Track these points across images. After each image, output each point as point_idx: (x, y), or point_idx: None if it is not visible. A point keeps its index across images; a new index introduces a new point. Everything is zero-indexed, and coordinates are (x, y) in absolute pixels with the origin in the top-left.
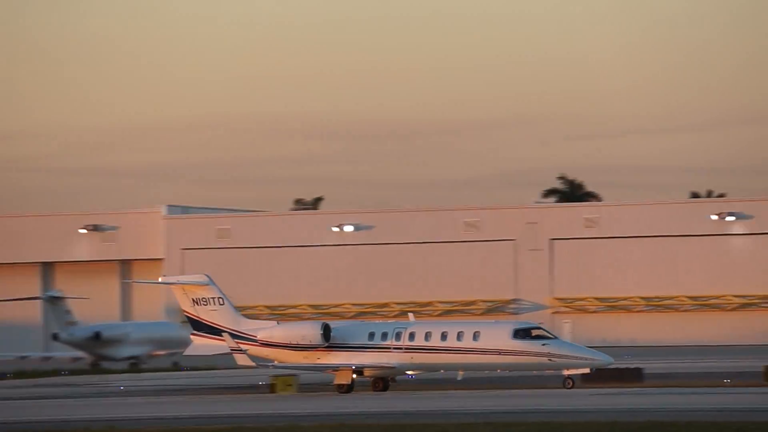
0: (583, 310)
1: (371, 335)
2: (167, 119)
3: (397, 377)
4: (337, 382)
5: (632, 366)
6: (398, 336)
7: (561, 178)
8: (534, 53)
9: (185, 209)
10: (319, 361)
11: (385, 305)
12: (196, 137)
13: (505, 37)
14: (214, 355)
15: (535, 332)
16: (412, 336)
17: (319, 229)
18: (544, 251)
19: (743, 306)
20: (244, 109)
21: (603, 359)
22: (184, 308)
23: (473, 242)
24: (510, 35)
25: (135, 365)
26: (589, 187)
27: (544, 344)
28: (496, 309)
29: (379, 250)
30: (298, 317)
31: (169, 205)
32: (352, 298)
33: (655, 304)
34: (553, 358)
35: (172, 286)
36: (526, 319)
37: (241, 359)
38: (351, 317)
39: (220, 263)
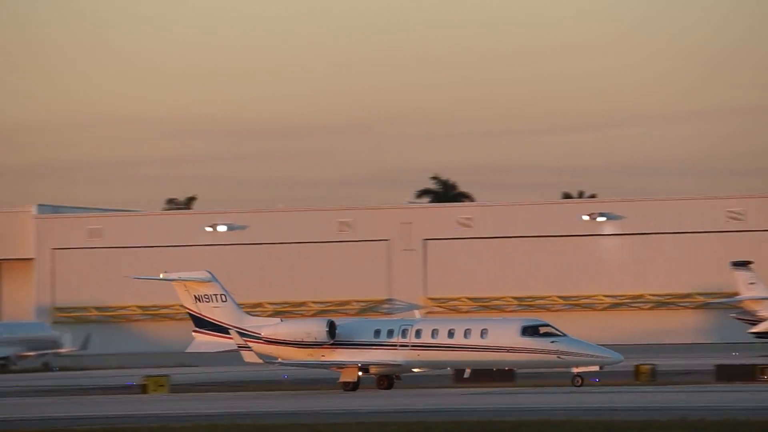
0: (456, 310)
1: (377, 332)
2: (38, 118)
3: (402, 374)
4: (342, 379)
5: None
6: (404, 333)
7: (434, 178)
8: (407, 51)
9: (56, 208)
10: (323, 359)
11: (259, 305)
12: (67, 136)
13: (378, 37)
14: (217, 352)
15: (543, 329)
16: (418, 333)
17: (192, 228)
18: (417, 251)
19: (613, 306)
20: (116, 109)
21: (613, 357)
22: (185, 305)
23: (347, 242)
24: (381, 33)
25: (3, 366)
26: (463, 188)
27: (553, 341)
28: (369, 309)
29: (252, 250)
30: (171, 318)
31: (40, 205)
32: None
33: (528, 304)
34: (562, 356)
35: (173, 283)
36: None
37: (248, 356)
38: None
39: (91, 263)
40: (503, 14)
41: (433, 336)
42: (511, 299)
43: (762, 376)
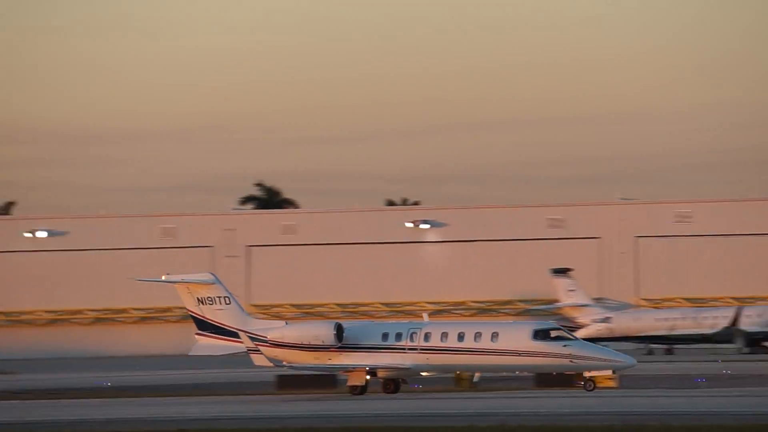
0: (279, 317)
1: (385, 336)
2: None
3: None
4: (350, 383)
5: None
6: (413, 336)
7: (258, 185)
8: (231, 55)
9: None
10: (330, 362)
11: (79, 312)
12: None
13: (200, 40)
14: (220, 355)
15: (555, 333)
16: (427, 336)
17: (11, 234)
18: (241, 258)
19: (437, 312)
20: None
21: (626, 361)
22: (188, 307)
23: (170, 249)
24: (202, 36)
25: None
26: (287, 194)
27: (565, 345)
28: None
29: (73, 256)
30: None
31: None
32: (46, 304)
33: (351, 311)
34: (574, 360)
35: (176, 285)
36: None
37: (259, 360)
38: (43, 324)
39: None
40: (309, 17)
41: (442, 339)
42: (334, 305)
43: (579, 382)
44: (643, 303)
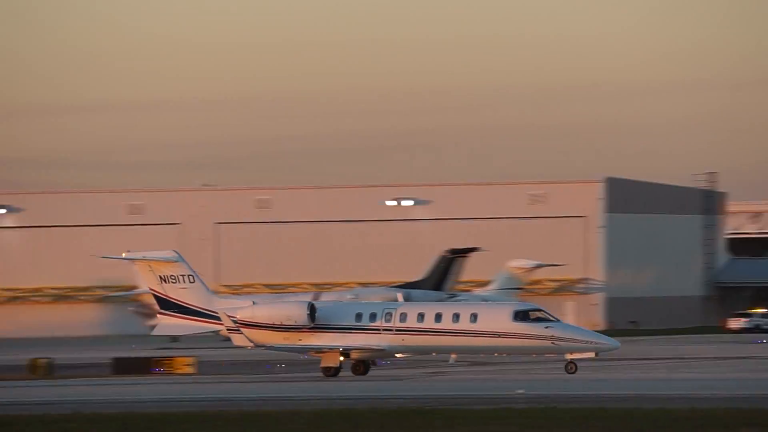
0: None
1: (359, 316)
2: None
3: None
4: (323, 364)
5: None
6: (388, 317)
7: None
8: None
9: None
10: (300, 343)
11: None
12: None
13: None
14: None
15: (535, 314)
16: (403, 317)
17: None
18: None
19: (11, 299)
20: None
21: (610, 343)
22: (149, 286)
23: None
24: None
25: None
26: None
27: (547, 327)
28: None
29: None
30: None
31: None
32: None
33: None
34: (556, 342)
35: (136, 262)
36: None
37: (239, 339)
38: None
39: None
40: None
41: (419, 320)
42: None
43: (158, 368)
44: (224, 289)
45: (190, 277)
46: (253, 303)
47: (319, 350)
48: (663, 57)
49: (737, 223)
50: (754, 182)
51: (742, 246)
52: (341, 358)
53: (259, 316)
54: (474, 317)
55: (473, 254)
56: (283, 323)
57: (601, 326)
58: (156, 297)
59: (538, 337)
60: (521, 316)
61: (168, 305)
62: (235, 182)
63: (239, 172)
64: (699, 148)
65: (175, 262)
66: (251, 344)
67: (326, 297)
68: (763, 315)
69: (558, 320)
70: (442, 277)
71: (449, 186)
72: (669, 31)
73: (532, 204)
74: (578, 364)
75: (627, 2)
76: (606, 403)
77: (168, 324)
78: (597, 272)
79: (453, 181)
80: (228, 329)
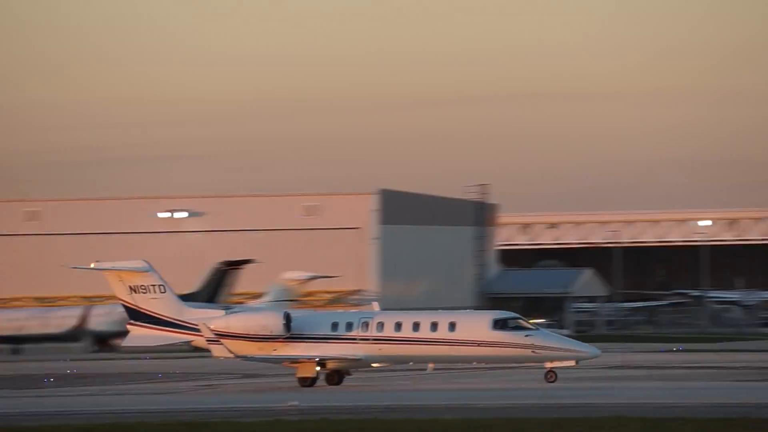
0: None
1: (335, 325)
2: None
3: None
4: (299, 375)
5: None
6: (365, 326)
7: None
8: None
9: None
10: (275, 353)
11: None
12: None
13: None
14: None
15: (515, 323)
16: (380, 326)
17: None
18: None
19: None
20: None
21: (591, 351)
22: (119, 296)
23: None
24: None
25: None
26: None
27: (527, 335)
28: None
29: None
30: None
31: None
32: None
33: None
34: (537, 350)
35: (105, 273)
36: None
37: (218, 350)
38: None
39: None
40: None
41: (396, 329)
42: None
43: None
44: None
45: (161, 287)
46: (225, 313)
47: (295, 360)
48: (432, 72)
49: (508, 235)
50: (525, 194)
51: (512, 257)
52: (317, 368)
53: (233, 326)
54: (453, 326)
55: (247, 266)
56: (258, 333)
57: None
58: (126, 308)
59: (518, 346)
60: (501, 324)
61: (138, 316)
62: (3, 194)
63: (7, 182)
64: (471, 160)
65: (145, 272)
66: (231, 355)
67: (98, 311)
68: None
69: (537, 329)
70: (215, 289)
71: (223, 198)
72: (437, 45)
73: (307, 216)
74: (558, 373)
75: (402, 15)
76: (379, 413)
77: (138, 335)
78: (371, 283)
79: (227, 193)
80: (207, 340)
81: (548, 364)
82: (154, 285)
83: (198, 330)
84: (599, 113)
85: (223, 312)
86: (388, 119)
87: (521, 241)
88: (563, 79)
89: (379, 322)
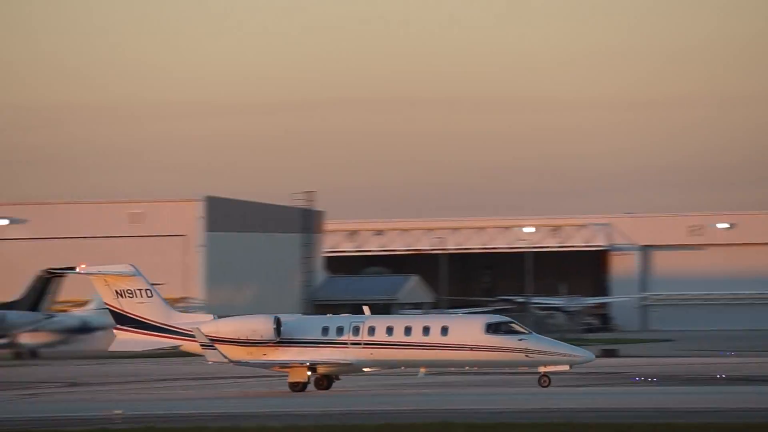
0: None
1: (325, 330)
2: None
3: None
4: (291, 380)
5: None
6: (356, 330)
7: None
8: None
9: None
10: (265, 358)
11: None
12: None
13: None
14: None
15: (508, 326)
16: (371, 330)
17: None
18: None
19: None
20: None
21: (584, 355)
22: (105, 300)
23: None
24: None
25: None
26: None
27: (520, 339)
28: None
29: None
30: None
31: None
32: None
33: None
34: (530, 354)
35: (91, 277)
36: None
37: (213, 356)
38: None
39: None
40: None
41: (388, 333)
42: None
43: None
44: None
45: (148, 291)
46: (214, 318)
47: (286, 365)
48: (258, 79)
49: (335, 242)
50: (351, 201)
51: (339, 264)
52: (308, 373)
53: (223, 331)
54: (445, 330)
55: (71, 274)
56: (249, 338)
57: None
58: (112, 312)
59: (511, 350)
60: (494, 328)
61: (124, 320)
62: None
63: None
64: (298, 167)
65: (132, 276)
66: (226, 360)
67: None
68: None
69: (531, 332)
70: (38, 297)
71: (46, 204)
72: (261, 52)
73: (132, 223)
74: (551, 378)
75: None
76: (208, 421)
77: (125, 339)
78: (197, 291)
79: (50, 200)
80: (202, 345)
81: (542, 369)
82: (140, 289)
83: (185, 335)
84: (422, 119)
85: (212, 317)
86: (214, 126)
87: (348, 247)
88: (386, 85)
89: (370, 326)
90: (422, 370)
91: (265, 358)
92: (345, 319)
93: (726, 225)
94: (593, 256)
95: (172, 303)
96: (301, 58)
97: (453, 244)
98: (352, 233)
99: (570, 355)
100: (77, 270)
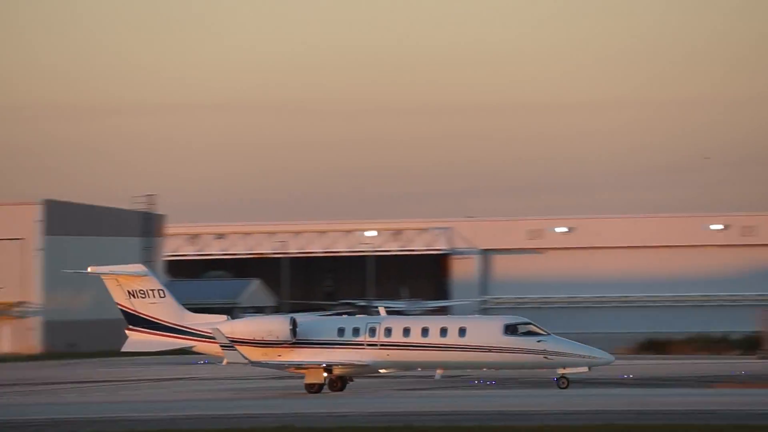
0: None
1: (341, 331)
2: None
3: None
4: (307, 381)
5: None
6: (372, 332)
7: None
8: None
9: None
10: (280, 359)
11: None
12: None
13: None
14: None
15: (527, 328)
16: (388, 331)
17: None
18: None
19: None
20: None
21: (604, 357)
22: (117, 301)
23: None
24: None
25: None
26: None
27: (539, 341)
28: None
29: None
30: None
31: None
32: None
33: None
34: (549, 356)
35: (103, 277)
36: None
37: (232, 356)
38: None
39: None
40: None
41: (405, 335)
42: None
43: None
44: None
45: (161, 291)
46: (227, 318)
47: (301, 366)
48: (98, 82)
49: (176, 245)
50: (192, 205)
51: (180, 267)
52: (324, 374)
53: (238, 331)
54: (463, 331)
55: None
56: (265, 339)
57: (39, 350)
58: (124, 312)
59: (529, 352)
60: (512, 329)
61: (137, 321)
62: None
63: None
64: (138, 170)
65: (145, 276)
66: (246, 361)
67: None
68: None
69: (549, 334)
70: None
71: None
72: (100, 54)
73: None
74: (569, 379)
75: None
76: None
77: (138, 340)
78: (34, 295)
79: None
80: (222, 346)
81: (560, 370)
82: (153, 289)
83: (198, 335)
84: (263, 125)
85: (225, 318)
86: (54, 128)
87: (189, 251)
88: (220, 91)
89: (387, 327)
90: (439, 371)
91: (280, 359)
92: (361, 320)
93: (564, 229)
94: (434, 260)
95: (8, 307)
96: (136, 62)
97: (295, 247)
98: (194, 237)
99: (589, 357)
100: (88, 270)
